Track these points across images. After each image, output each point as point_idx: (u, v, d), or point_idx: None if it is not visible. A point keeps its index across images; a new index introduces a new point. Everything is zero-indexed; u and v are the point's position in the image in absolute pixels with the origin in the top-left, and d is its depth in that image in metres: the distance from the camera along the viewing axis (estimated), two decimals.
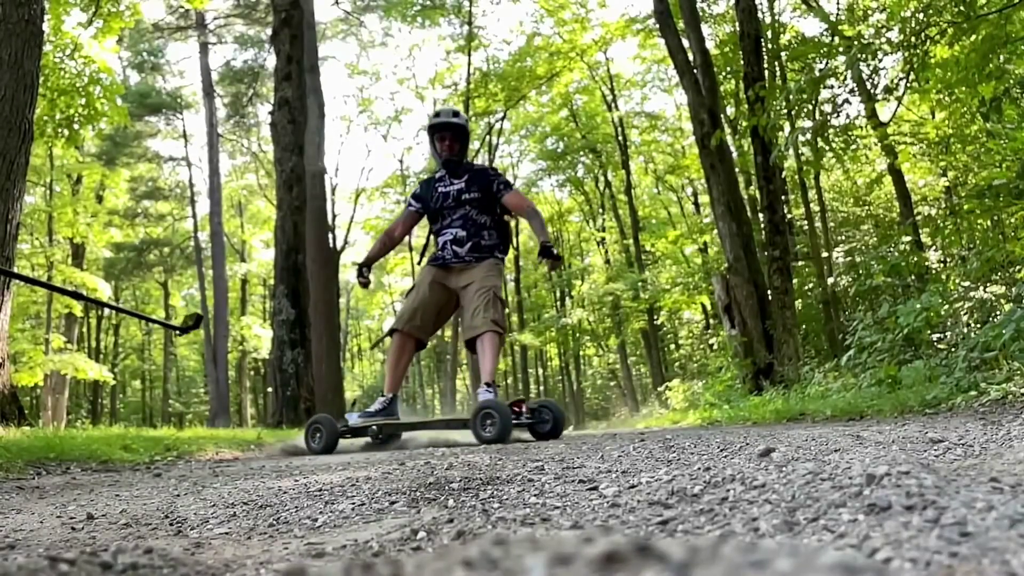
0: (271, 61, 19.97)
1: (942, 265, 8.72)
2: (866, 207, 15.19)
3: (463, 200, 4.81)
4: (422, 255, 5.13)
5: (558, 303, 28.68)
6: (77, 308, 19.72)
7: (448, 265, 4.75)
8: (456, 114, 4.94)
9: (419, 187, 5.06)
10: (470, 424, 4.14)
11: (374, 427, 4.50)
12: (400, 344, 4.69)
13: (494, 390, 4.41)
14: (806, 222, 14.21)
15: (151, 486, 2.19)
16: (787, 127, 8.55)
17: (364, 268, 4.90)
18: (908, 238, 9.47)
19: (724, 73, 12.99)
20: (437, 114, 4.95)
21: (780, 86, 10.10)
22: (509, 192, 4.81)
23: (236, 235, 29.13)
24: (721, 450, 1.76)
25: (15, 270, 6.19)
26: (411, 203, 5.03)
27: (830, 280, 12.01)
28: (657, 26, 11.77)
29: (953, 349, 5.13)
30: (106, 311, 27.84)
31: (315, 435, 4.51)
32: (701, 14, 12.29)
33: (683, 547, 0.42)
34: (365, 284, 4.90)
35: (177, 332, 3.81)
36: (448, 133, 4.82)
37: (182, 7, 20.52)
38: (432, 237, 5.05)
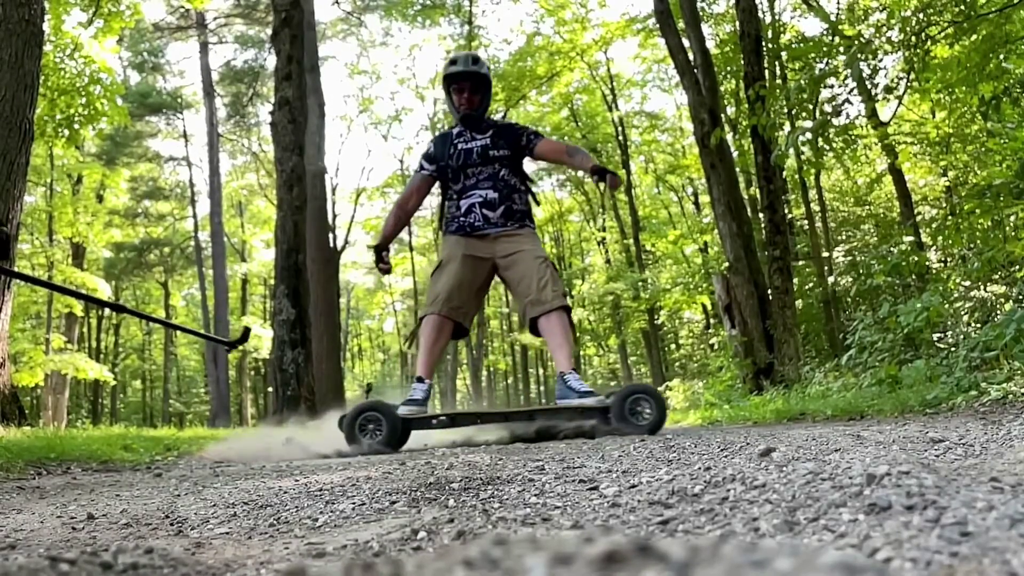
0: (271, 61, 20.01)
1: (943, 265, 8.73)
2: (866, 207, 15.20)
3: (492, 157, 4.14)
4: (441, 222, 4.39)
5: None
6: (77, 308, 19.73)
7: (482, 233, 4.08)
8: (476, 60, 4.21)
9: (431, 146, 4.35)
10: (612, 411, 3.51)
11: (443, 418, 3.73)
12: (437, 325, 3.95)
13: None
14: (806, 222, 14.22)
15: (151, 486, 2.19)
16: (787, 127, 8.56)
17: (383, 252, 4.23)
18: (909, 238, 9.48)
19: (724, 73, 12.99)
20: (453, 61, 4.21)
21: (780, 85, 10.11)
22: (541, 140, 4.24)
23: (236, 235, 29.14)
24: (721, 450, 1.77)
25: (15, 270, 6.19)
26: (423, 166, 4.31)
27: (830, 280, 12.01)
28: (657, 26, 11.76)
29: (954, 349, 5.13)
30: (118, 311, 27.77)
31: (366, 428, 3.59)
32: (701, 14, 12.30)
33: (684, 547, 0.42)
34: (387, 270, 4.25)
35: (227, 348, 3.81)
36: (467, 83, 4.15)
37: (182, 7, 20.53)
38: (448, 203, 4.28)
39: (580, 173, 4.83)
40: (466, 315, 4.05)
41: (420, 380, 3.94)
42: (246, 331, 3.62)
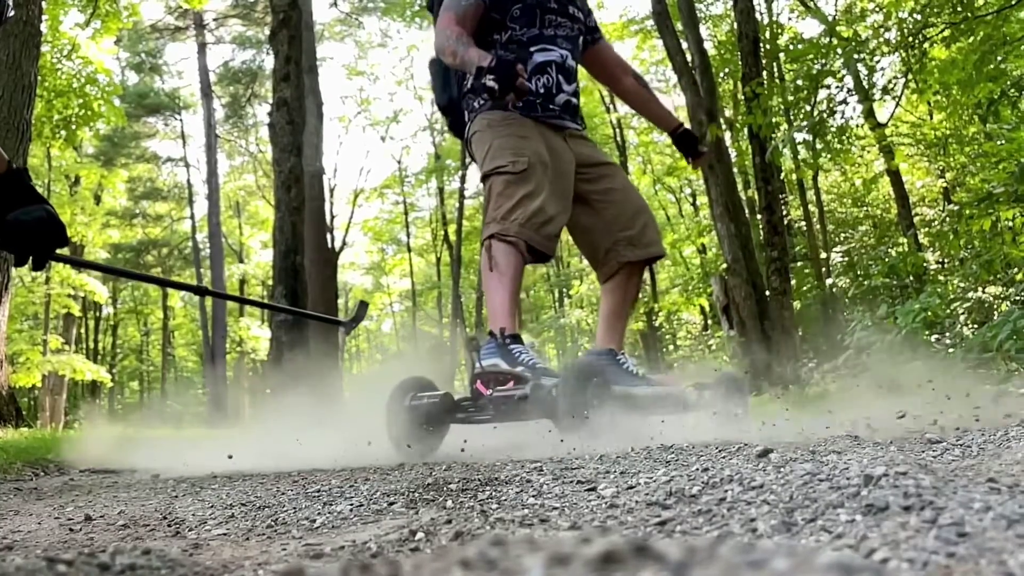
0: (269, 62, 20.00)
1: (940, 266, 8.74)
2: (864, 208, 15.23)
3: (571, 14, 3.07)
4: (464, 88, 3.04)
5: (556, 303, 28.67)
6: (75, 308, 19.70)
7: (558, 123, 2.98)
8: None
9: None
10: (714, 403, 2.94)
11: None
12: (517, 257, 2.76)
13: None
14: (804, 223, 14.24)
15: (149, 487, 2.19)
16: (784, 127, 8.58)
17: (504, 61, 2.61)
18: (906, 241, 9.51)
19: (722, 74, 13.00)
20: None
21: (777, 85, 10.13)
22: (604, 41, 3.32)
23: (234, 236, 29.10)
24: (719, 450, 1.77)
25: (12, 270, 6.18)
26: None
27: (828, 281, 12.03)
28: (655, 27, 11.79)
29: (951, 350, 5.14)
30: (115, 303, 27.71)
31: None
32: (699, 15, 12.32)
33: (681, 547, 0.42)
34: (525, 84, 2.59)
35: (344, 330, 3.15)
36: None
37: (180, 7, 20.52)
38: (500, 53, 2.91)
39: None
40: (555, 246, 2.88)
41: (518, 339, 2.74)
42: (362, 305, 2.89)
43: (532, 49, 2.96)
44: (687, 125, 3.27)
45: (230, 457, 2.58)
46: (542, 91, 2.95)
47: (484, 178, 2.95)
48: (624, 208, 3.01)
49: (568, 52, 3.02)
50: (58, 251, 1.81)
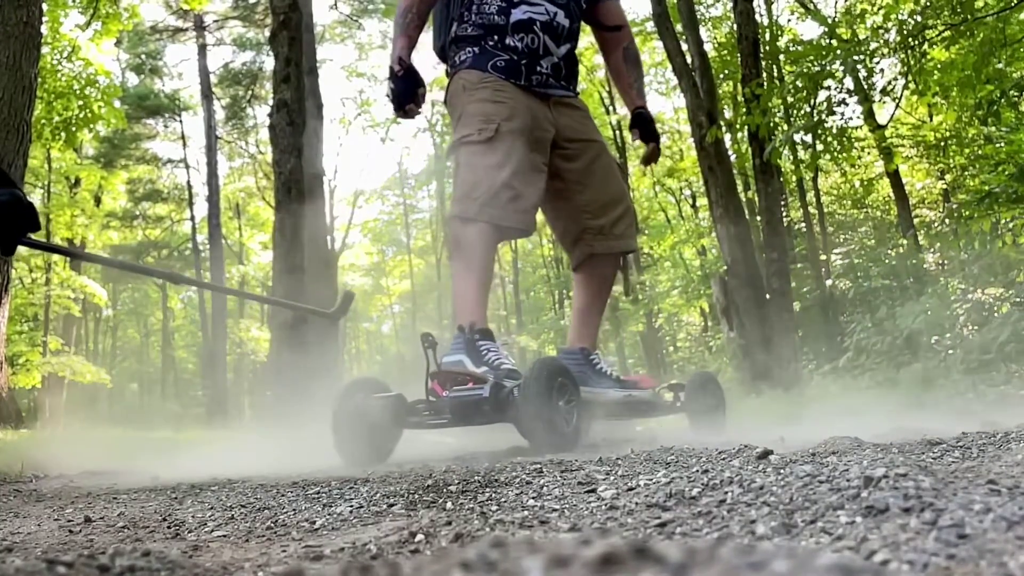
0: (269, 63, 20.01)
1: (940, 268, 8.75)
2: (864, 209, 15.24)
3: None
4: (444, 42, 2.88)
5: (556, 305, 28.67)
6: (76, 310, 19.70)
7: (542, 90, 2.72)
8: None
9: None
10: (687, 405, 2.87)
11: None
12: (482, 240, 2.53)
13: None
14: (804, 224, 14.24)
15: (149, 489, 2.19)
16: (784, 127, 8.59)
17: (414, 73, 2.60)
18: (906, 242, 9.51)
19: (722, 76, 13.01)
20: None
21: (777, 85, 10.15)
22: None
23: (234, 237, 29.11)
24: (719, 452, 1.77)
25: (12, 271, 6.19)
26: None
27: (828, 282, 12.03)
28: (655, 29, 11.79)
29: (951, 352, 5.14)
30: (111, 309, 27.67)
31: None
32: (699, 17, 12.34)
33: (681, 549, 0.42)
34: (416, 110, 2.67)
35: (331, 320, 2.96)
36: None
37: (180, 8, 20.54)
38: (476, 4, 2.73)
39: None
40: (531, 220, 2.61)
41: (488, 335, 2.51)
42: (347, 296, 2.69)
43: (516, 0, 2.66)
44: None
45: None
46: (525, 52, 2.66)
47: (451, 149, 2.74)
48: (599, 194, 2.76)
49: (559, 8, 2.73)
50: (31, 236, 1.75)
